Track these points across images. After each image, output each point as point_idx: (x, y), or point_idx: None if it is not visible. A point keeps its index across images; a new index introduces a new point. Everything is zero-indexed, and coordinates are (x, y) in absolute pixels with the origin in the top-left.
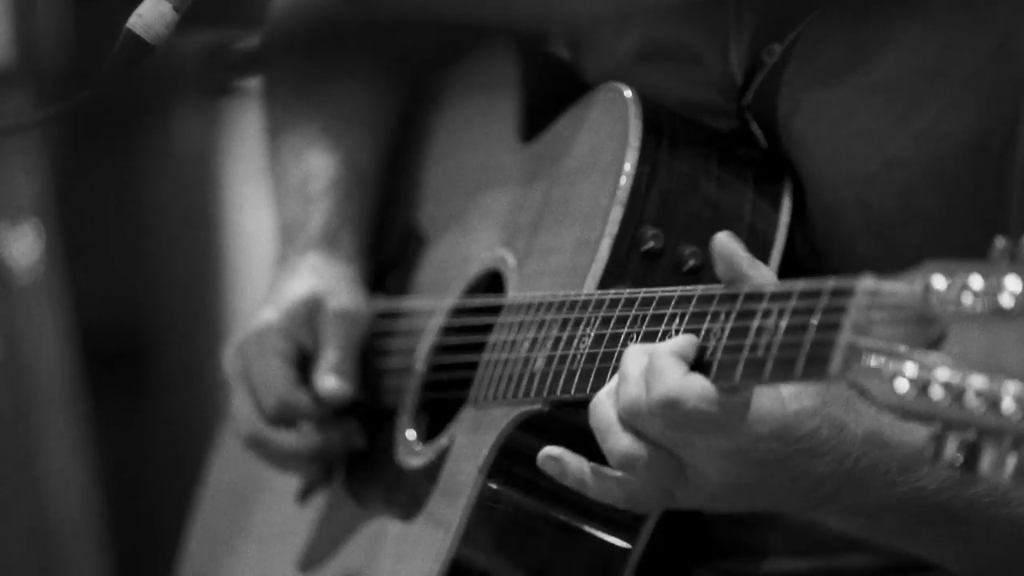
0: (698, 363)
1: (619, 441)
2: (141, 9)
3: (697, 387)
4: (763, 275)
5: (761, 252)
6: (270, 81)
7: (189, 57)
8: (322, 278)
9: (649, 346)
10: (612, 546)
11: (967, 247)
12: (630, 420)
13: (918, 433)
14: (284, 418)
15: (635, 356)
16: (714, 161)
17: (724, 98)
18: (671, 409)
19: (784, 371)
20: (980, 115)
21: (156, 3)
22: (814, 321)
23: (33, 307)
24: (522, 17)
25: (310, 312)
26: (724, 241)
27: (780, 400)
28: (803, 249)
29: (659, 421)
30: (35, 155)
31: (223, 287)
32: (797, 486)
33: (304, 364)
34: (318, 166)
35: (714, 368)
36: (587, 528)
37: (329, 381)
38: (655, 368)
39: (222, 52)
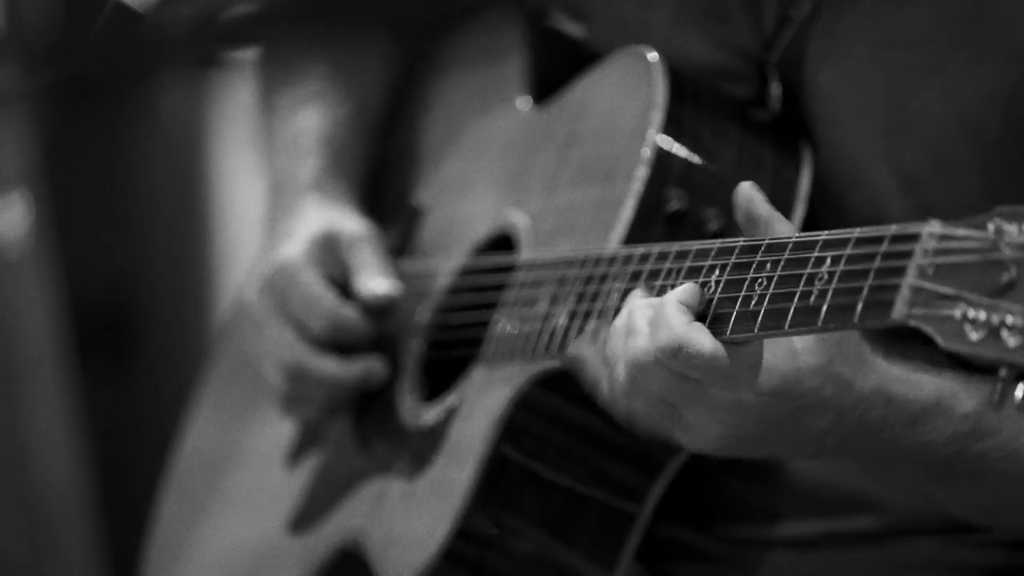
0: (703, 315)
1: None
2: None
3: (703, 337)
4: (785, 228)
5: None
6: (268, 44)
7: (178, 27)
8: (327, 212)
9: (655, 299)
10: (623, 504)
11: (999, 201)
12: (635, 373)
13: (925, 389)
14: (336, 337)
15: (641, 309)
16: (736, 125)
17: (745, 61)
18: (674, 356)
19: (842, 316)
20: (1008, 67)
21: None
22: (875, 266)
23: (21, 279)
24: None
25: (330, 243)
26: (746, 189)
27: (792, 355)
28: (825, 213)
29: (664, 371)
30: (24, 126)
31: (212, 260)
32: (797, 440)
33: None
34: (310, 124)
35: (732, 319)
36: (597, 488)
37: (379, 282)
38: (658, 317)
39: (211, 22)
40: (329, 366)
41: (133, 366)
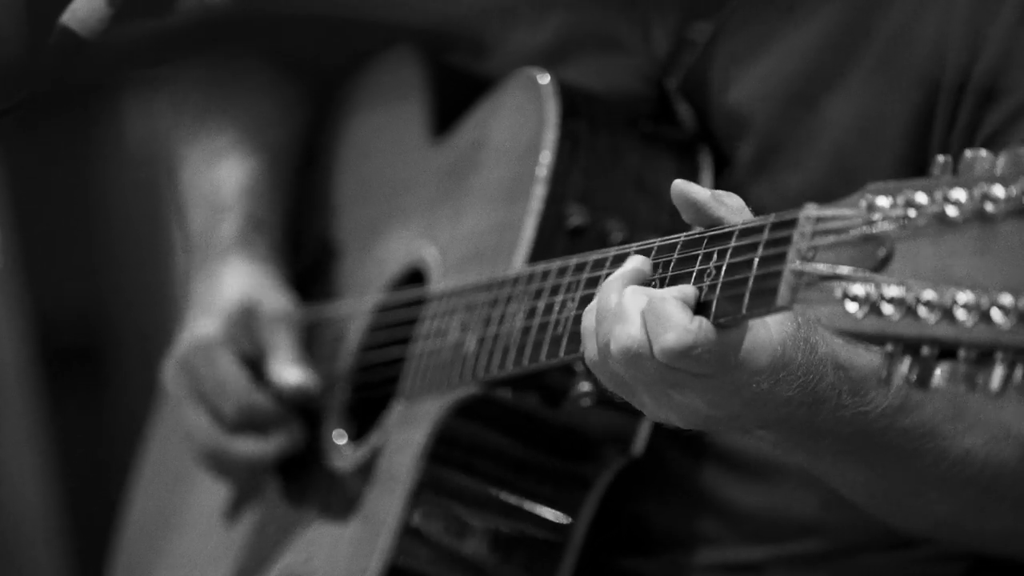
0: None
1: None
2: (75, 5)
3: (708, 331)
4: (732, 206)
5: (686, 225)
6: (176, 94)
7: (132, 49)
8: (248, 281)
9: (647, 289)
10: (553, 525)
11: None
12: (625, 360)
13: (864, 358)
14: (247, 423)
15: (634, 295)
16: (633, 137)
17: (644, 83)
18: (681, 357)
19: (731, 308)
20: (907, 75)
21: None
22: (758, 255)
23: None
24: (418, 15)
25: (246, 317)
26: (677, 184)
27: (768, 329)
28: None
29: (660, 365)
30: None
31: (179, 282)
32: (766, 408)
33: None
34: (228, 176)
35: (713, 307)
36: (528, 510)
37: (293, 373)
38: (660, 315)
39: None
40: (247, 447)
41: (101, 388)
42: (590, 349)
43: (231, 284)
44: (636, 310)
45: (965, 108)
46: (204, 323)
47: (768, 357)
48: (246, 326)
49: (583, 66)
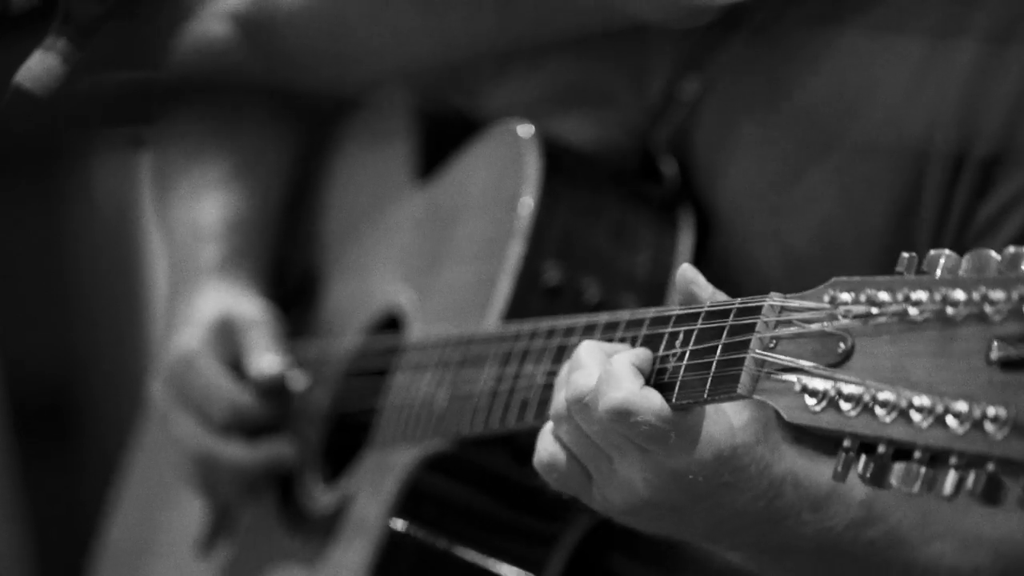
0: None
1: (544, 445)
2: (29, 62)
3: (654, 402)
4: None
5: (662, 286)
6: (166, 131)
7: (99, 105)
8: (225, 296)
9: (608, 346)
10: None
11: None
12: (577, 407)
13: (824, 474)
14: (235, 425)
15: (592, 349)
16: (614, 194)
17: (632, 137)
18: (622, 418)
19: (695, 391)
20: (895, 153)
21: (43, 56)
22: (722, 341)
23: None
24: (410, 63)
25: (225, 327)
26: (687, 273)
27: (729, 430)
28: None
29: (604, 424)
30: None
31: (149, 338)
32: (713, 516)
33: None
34: (212, 210)
35: (676, 388)
36: (497, 566)
37: (266, 360)
38: (612, 374)
39: (127, 97)
40: (235, 451)
41: (71, 446)
42: (557, 400)
43: (210, 298)
44: (595, 363)
45: (967, 173)
46: (185, 336)
47: (712, 452)
48: (226, 334)
49: (572, 117)
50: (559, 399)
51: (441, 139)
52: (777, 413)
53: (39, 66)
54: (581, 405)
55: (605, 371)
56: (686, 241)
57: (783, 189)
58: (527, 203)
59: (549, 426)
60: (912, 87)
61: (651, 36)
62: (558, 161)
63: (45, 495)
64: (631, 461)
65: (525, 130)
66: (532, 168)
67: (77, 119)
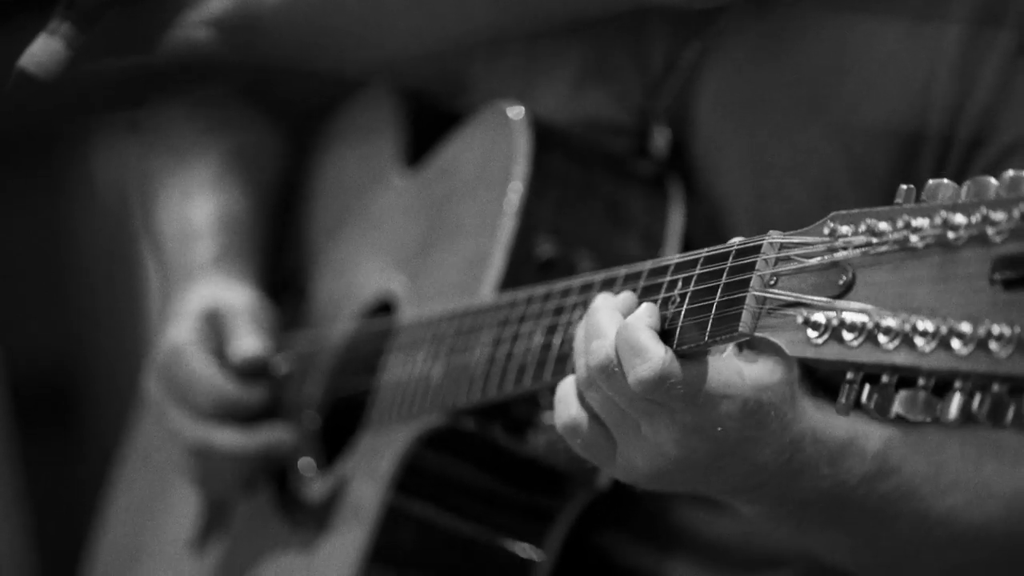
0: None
1: (566, 408)
2: (33, 47)
3: (680, 366)
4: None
5: (655, 256)
6: (154, 129)
7: (101, 89)
8: (215, 288)
9: (620, 302)
10: (518, 558)
11: None
12: (599, 378)
13: (840, 428)
14: (227, 414)
15: (606, 311)
16: (604, 171)
17: (631, 114)
18: (657, 387)
19: (696, 334)
20: (891, 108)
21: (47, 40)
22: (722, 282)
23: None
24: (398, 55)
25: (212, 318)
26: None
27: (758, 385)
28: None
29: (634, 393)
30: None
31: (149, 324)
32: (737, 470)
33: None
34: (205, 209)
35: (676, 334)
36: (495, 541)
37: (248, 342)
38: (634, 344)
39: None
40: (229, 437)
41: (71, 432)
42: (579, 367)
43: (200, 291)
44: (613, 327)
45: (955, 152)
46: (174, 329)
47: (739, 405)
48: (213, 324)
49: (572, 94)
50: (580, 365)
51: (427, 129)
52: (790, 358)
53: (43, 50)
54: (607, 374)
55: (624, 340)
56: (677, 210)
57: (783, 149)
58: (518, 182)
59: (568, 389)
60: (910, 45)
61: (651, 12)
62: (547, 139)
63: (45, 482)
64: (661, 423)
65: (515, 111)
66: (522, 146)
67: (79, 103)
